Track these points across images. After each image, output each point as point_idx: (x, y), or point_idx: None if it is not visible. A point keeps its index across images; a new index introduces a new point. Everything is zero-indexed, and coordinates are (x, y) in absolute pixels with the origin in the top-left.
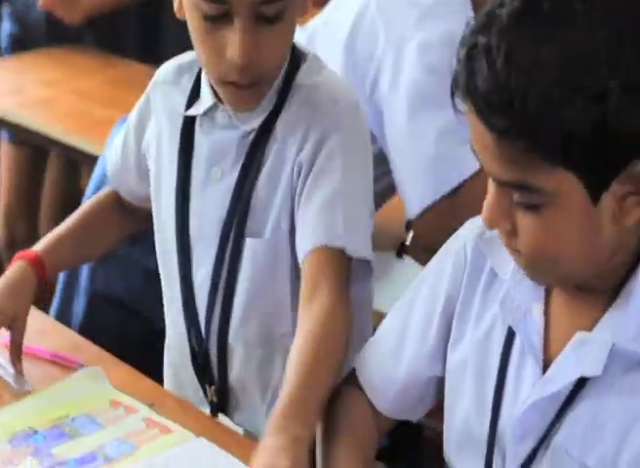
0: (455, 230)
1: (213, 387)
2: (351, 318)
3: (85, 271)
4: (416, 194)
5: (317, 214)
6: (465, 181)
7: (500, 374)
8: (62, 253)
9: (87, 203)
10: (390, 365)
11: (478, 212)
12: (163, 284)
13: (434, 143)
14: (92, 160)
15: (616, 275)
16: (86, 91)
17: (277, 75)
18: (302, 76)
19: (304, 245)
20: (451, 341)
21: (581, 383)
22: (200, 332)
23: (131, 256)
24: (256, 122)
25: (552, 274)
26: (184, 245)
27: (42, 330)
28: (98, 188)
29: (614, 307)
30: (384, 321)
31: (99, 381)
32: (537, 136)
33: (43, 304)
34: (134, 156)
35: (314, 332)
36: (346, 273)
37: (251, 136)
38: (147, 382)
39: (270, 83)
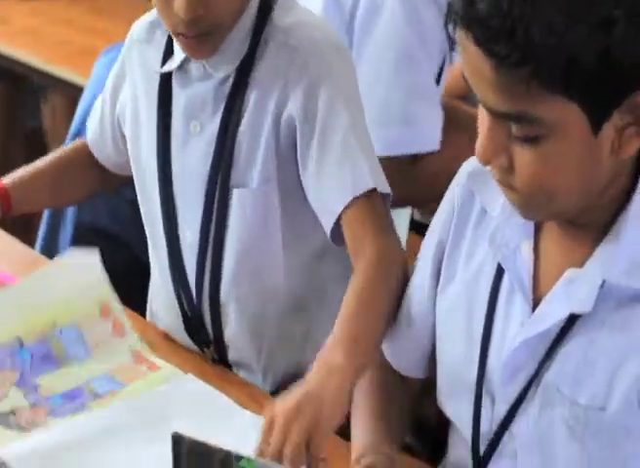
0: (402, 197)
1: (211, 347)
2: (403, 254)
3: None
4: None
5: (337, 172)
6: (424, 156)
7: (488, 314)
8: (30, 193)
9: (65, 149)
10: (402, 324)
11: (428, 189)
12: (150, 250)
13: (404, 103)
14: (75, 90)
15: (607, 210)
16: (70, 20)
17: (231, 24)
18: (276, 17)
19: (334, 206)
20: (440, 284)
21: (572, 320)
22: (191, 296)
23: (117, 188)
24: (230, 68)
25: (547, 210)
26: (169, 208)
27: (27, 264)
28: (82, 123)
29: (604, 243)
30: None
31: (92, 271)
32: (539, 64)
33: (28, 238)
34: (110, 124)
35: (367, 275)
36: (385, 210)
37: (227, 84)
38: (135, 317)
39: (224, 32)
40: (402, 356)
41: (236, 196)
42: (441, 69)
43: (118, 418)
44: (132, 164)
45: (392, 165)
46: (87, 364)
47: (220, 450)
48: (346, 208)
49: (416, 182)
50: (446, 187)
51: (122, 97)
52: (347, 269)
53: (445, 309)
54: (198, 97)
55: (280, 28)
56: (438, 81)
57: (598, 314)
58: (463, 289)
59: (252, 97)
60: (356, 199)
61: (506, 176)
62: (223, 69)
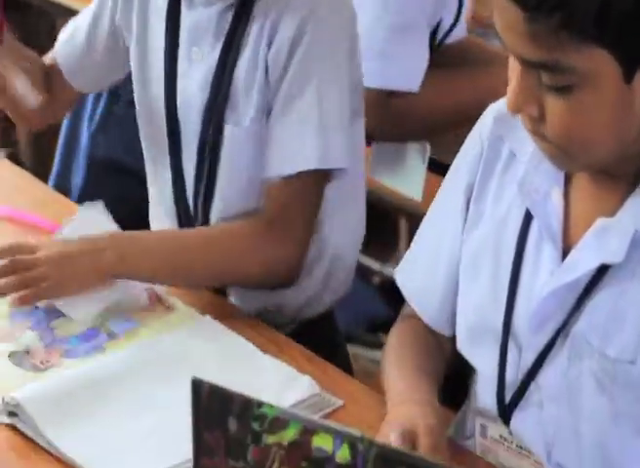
0: (372, 130)
1: None
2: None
3: (84, 138)
4: None
5: (288, 137)
6: (401, 94)
7: (515, 260)
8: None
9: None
10: (429, 273)
11: (398, 127)
12: (150, 171)
13: (387, 40)
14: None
15: (637, 160)
16: None
17: None
18: None
19: (273, 169)
20: (467, 226)
21: (602, 271)
22: (191, 217)
23: (130, 117)
24: None
25: (579, 161)
26: (174, 127)
27: (41, 200)
28: None
29: (636, 193)
30: (418, 231)
31: (101, 222)
32: (571, 11)
33: (42, 174)
34: (106, 34)
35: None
36: (316, 192)
37: (230, 14)
38: None
39: None
40: (430, 307)
41: (229, 133)
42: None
43: (134, 360)
44: (134, 80)
45: (368, 97)
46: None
47: (241, 396)
48: (282, 178)
49: (388, 118)
50: (417, 130)
51: (124, 7)
52: (344, 194)
53: (472, 251)
54: (201, 22)
55: None
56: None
57: (629, 265)
58: (491, 232)
59: (252, 32)
60: (295, 174)
61: (538, 126)
62: None
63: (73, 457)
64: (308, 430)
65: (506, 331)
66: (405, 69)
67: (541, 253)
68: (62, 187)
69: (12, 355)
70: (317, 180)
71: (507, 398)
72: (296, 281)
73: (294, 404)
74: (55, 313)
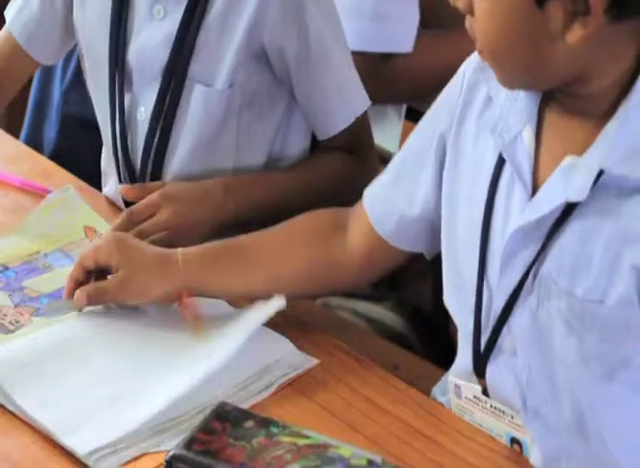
0: (370, 93)
1: None
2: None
3: (56, 93)
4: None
5: (337, 96)
6: (395, 56)
7: (488, 202)
8: None
9: None
10: (388, 194)
11: (392, 90)
12: (100, 120)
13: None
14: None
15: (607, 99)
16: None
17: None
18: None
19: (333, 125)
20: (447, 165)
21: (569, 210)
22: (135, 174)
23: None
24: None
25: (502, 71)
26: (119, 80)
27: (12, 156)
28: None
29: (604, 131)
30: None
31: (71, 203)
32: None
33: (11, 129)
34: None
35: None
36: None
37: None
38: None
39: None
40: (401, 229)
41: (198, 92)
42: None
43: (108, 320)
44: (78, 31)
45: (363, 60)
46: None
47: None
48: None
49: (380, 82)
50: (407, 92)
51: None
52: None
53: (447, 195)
54: None
55: None
56: None
57: (596, 205)
58: (466, 177)
59: None
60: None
61: (471, 28)
62: None
63: (41, 421)
64: (329, 444)
65: (480, 275)
66: (398, 30)
67: (513, 193)
68: (34, 143)
69: None
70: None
71: (482, 347)
72: None
73: (271, 363)
74: (27, 274)
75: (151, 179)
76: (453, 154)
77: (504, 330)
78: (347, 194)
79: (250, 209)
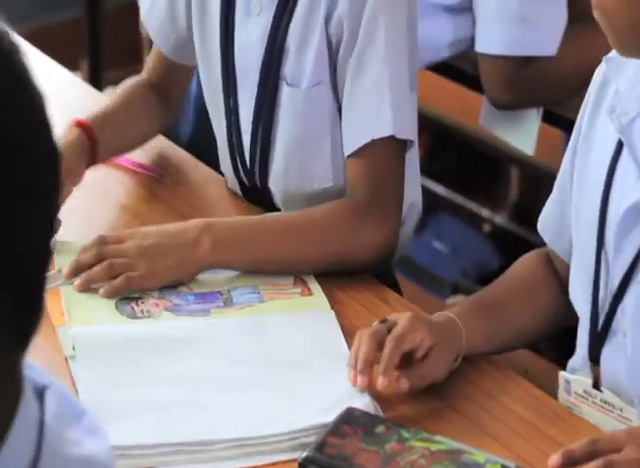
0: (512, 100)
1: None
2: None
3: (193, 85)
4: (488, 37)
5: (364, 105)
6: (539, 58)
7: (605, 186)
8: (115, 138)
9: (128, 88)
10: (558, 211)
11: (543, 92)
12: (213, 121)
13: (524, 0)
14: None
15: None
16: None
17: None
18: None
19: (354, 139)
20: (577, 163)
21: None
22: (247, 169)
23: None
24: None
25: (616, 31)
26: (229, 80)
27: (151, 147)
28: None
29: None
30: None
31: None
32: None
33: None
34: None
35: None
36: (396, 159)
37: None
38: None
39: None
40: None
41: (287, 94)
42: None
43: (215, 330)
44: (195, 31)
45: (505, 64)
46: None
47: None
48: (361, 147)
49: (520, 87)
50: (553, 94)
51: None
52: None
53: (578, 185)
54: None
55: None
56: None
57: None
58: (594, 164)
59: None
60: (373, 141)
61: None
62: None
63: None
64: (463, 450)
65: (598, 256)
66: (545, 34)
67: (628, 175)
68: (170, 135)
69: (124, 298)
70: (398, 149)
71: (599, 330)
72: (393, 258)
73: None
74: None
75: (260, 178)
76: (584, 148)
77: (619, 311)
78: (355, 252)
79: (232, 250)
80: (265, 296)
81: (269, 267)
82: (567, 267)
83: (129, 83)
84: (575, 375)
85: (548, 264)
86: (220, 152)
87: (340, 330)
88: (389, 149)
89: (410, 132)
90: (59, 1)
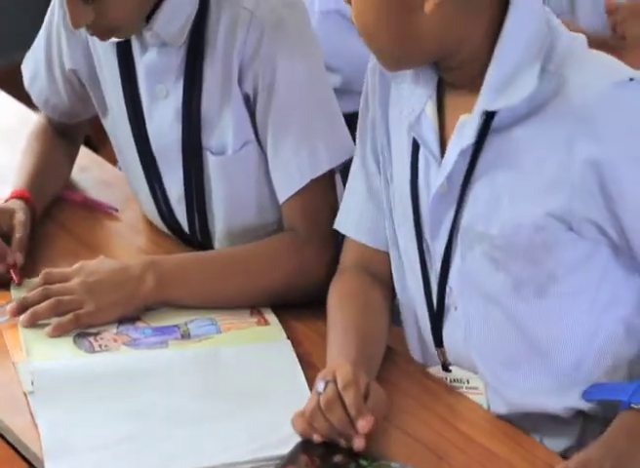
0: None
1: None
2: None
3: None
4: None
5: (294, 154)
6: None
7: (412, 183)
8: (47, 191)
9: (36, 142)
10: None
11: None
12: (134, 192)
13: None
14: None
15: (478, 62)
16: None
17: (133, 27)
18: None
19: (288, 186)
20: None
21: (474, 164)
22: (182, 230)
23: None
24: (181, 33)
25: (380, 53)
26: (150, 166)
27: (106, 181)
28: None
29: (483, 88)
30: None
31: None
32: None
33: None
34: (61, 75)
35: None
36: (332, 188)
37: (184, 49)
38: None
39: (131, 28)
40: (377, 230)
41: (214, 163)
42: None
43: (170, 361)
44: (101, 118)
45: None
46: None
47: None
48: (298, 190)
49: None
50: None
51: (68, 48)
52: None
53: (391, 189)
54: (159, 61)
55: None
56: None
57: (495, 149)
58: (396, 161)
59: (211, 61)
60: (310, 181)
61: (350, 19)
62: (174, 35)
63: (42, 439)
64: None
65: (420, 245)
66: None
67: (430, 168)
68: None
69: (82, 333)
70: (328, 180)
71: (435, 310)
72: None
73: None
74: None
75: (201, 238)
76: (384, 142)
77: (447, 289)
78: (298, 281)
79: (177, 286)
80: (223, 327)
81: (216, 301)
82: (388, 258)
83: (37, 134)
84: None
85: (366, 281)
86: (143, 206)
87: (296, 359)
88: (323, 180)
89: (343, 152)
90: None
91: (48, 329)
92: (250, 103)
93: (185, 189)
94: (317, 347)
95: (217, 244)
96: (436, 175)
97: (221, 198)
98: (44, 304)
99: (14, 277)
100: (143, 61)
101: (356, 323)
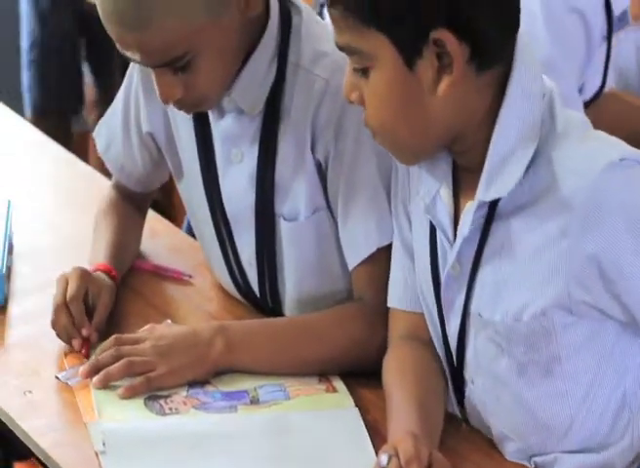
0: None
1: None
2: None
3: None
4: None
5: (363, 222)
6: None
7: (432, 253)
8: (126, 262)
9: (111, 213)
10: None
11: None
12: (206, 254)
13: None
14: None
15: (481, 152)
16: None
17: (219, 97)
18: (296, 52)
19: (358, 252)
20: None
21: (480, 250)
22: (254, 293)
23: None
24: (258, 101)
25: (399, 147)
26: (221, 223)
27: (177, 246)
28: None
29: (482, 174)
30: None
31: None
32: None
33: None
34: (138, 139)
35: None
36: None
37: (260, 116)
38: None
39: (217, 98)
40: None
41: (286, 228)
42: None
43: (242, 427)
44: (176, 182)
45: None
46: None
47: None
48: (365, 258)
49: None
50: None
51: (147, 112)
52: None
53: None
54: (235, 127)
55: (307, 56)
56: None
57: (495, 239)
58: (419, 236)
59: (286, 129)
60: (377, 250)
61: (366, 120)
62: (251, 103)
63: None
64: None
65: (440, 315)
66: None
67: (446, 246)
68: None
69: (152, 396)
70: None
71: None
72: None
73: None
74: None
75: (272, 304)
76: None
77: (465, 362)
78: (367, 353)
79: (246, 351)
80: (291, 393)
81: (284, 367)
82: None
83: (111, 205)
84: None
85: (418, 349)
86: (214, 269)
87: (364, 427)
88: (389, 250)
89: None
90: None
91: (120, 390)
92: (322, 170)
93: (257, 252)
94: (385, 415)
95: (286, 310)
96: (450, 257)
97: (292, 263)
98: (116, 366)
99: (83, 350)
100: (220, 126)
101: (414, 394)
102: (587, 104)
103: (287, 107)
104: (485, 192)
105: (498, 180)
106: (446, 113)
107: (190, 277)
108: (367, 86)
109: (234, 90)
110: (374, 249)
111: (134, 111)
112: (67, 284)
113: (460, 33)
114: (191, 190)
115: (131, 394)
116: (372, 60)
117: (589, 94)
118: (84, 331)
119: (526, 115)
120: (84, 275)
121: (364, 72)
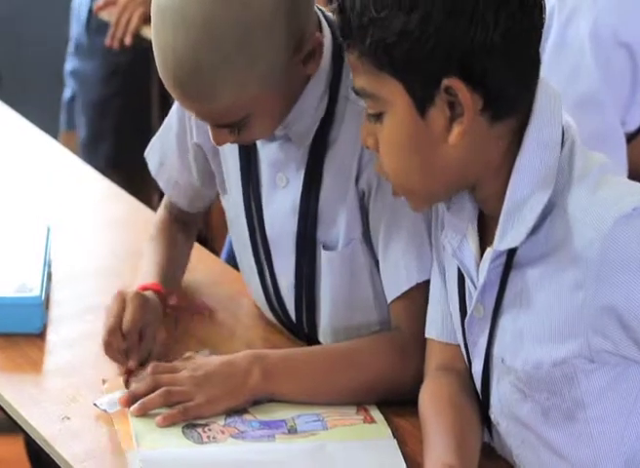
0: None
1: None
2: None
3: None
4: None
5: (403, 255)
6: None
7: (461, 307)
8: (175, 283)
9: (162, 235)
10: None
11: None
12: (244, 276)
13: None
14: None
15: (498, 198)
16: None
17: (272, 132)
18: (347, 86)
19: (398, 285)
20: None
21: (501, 296)
22: (290, 319)
23: None
24: (310, 134)
25: (410, 193)
26: (261, 247)
27: (216, 275)
28: None
29: (499, 222)
30: None
31: None
32: (368, 40)
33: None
34: (192, 147)
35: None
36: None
37: (308, 143)
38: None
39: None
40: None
41: (325, 257)
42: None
43: (279, 456)
44: (221, 195)
45: None
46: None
47: None
48: (405, 292)
49: None
50: None
51: (196, 124)
52: None
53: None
54: (282, 152)
55: (350, 101)
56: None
57: (513, 287)
58: (450, 274)
59: (333, 158)
60: (416, 285)
61: (381, 166)
62: (302, 135)
63: None
64: None
65: (467, 351)
66: None
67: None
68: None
69: (190, 424)
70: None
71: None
72: None
73: None
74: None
75: (308, 330)
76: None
77: (491, 404)
78: (402, 384)
79: (284, 380)
80: (329, 423)
81: (321, 395)
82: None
83: (160, 226)
84: None
85: (454, 382)
86: (253, 294)
87: (402, 458)
88: (427, 285)
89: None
90: None
91: (158, 419)
92: (363, 202)
93: (296, 278)
94: (421, 445)
95: (321, 337)
96: (473, 300)
97: (328, 292)
98: (154, 395)
99: (124, 377)
100: (266, 150)
101: (450, 425)
102: (630, 138)
103: (334, 138)
104: (500, 241)
105: (512, 229)
106: (458, 161)
107: (211, 312)
108: (380, 132)
109: (286, 122)
110: (413, 283)
111: (188, 118)
112: (124, 306)
113: (473, 84)
114: (233, 207)
115: (168, 422)
116: (386, 106)
117: (633, 127)
118: (130, 363)
119: (542, 165)
120: (144, 304)
121: (378, 118)
